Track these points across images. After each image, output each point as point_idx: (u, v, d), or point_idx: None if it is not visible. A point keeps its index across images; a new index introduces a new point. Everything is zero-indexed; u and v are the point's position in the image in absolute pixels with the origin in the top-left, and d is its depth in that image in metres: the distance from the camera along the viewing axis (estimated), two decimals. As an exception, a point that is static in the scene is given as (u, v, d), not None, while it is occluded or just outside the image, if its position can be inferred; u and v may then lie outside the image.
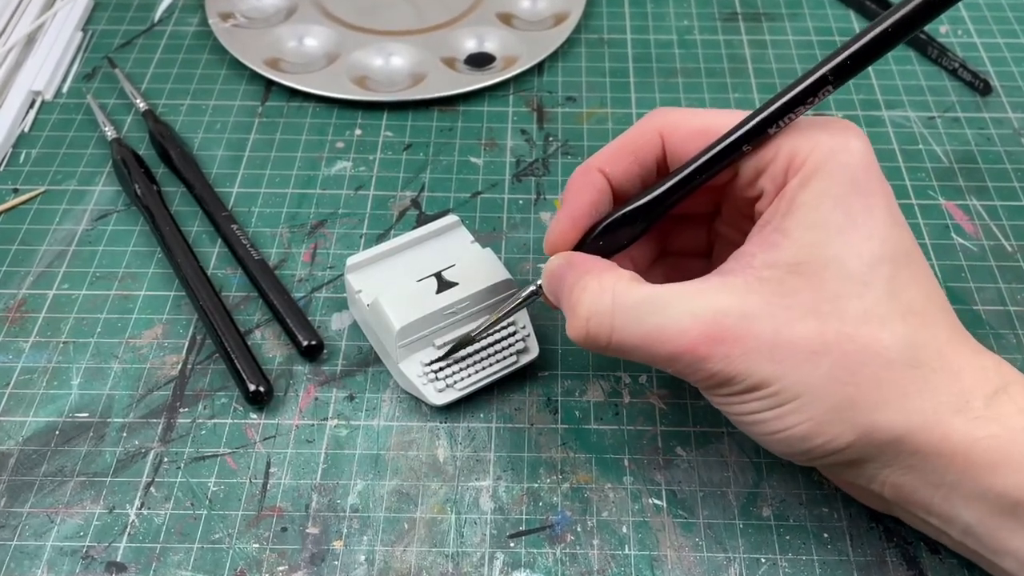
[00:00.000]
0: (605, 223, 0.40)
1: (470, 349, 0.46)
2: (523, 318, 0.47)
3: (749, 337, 0.35)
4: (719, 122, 0.38)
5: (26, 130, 0.61)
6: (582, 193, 0.40)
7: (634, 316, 0.36)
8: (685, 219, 0.44)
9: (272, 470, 0.44)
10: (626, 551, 0.42)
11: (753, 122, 0.37)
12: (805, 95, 0.36)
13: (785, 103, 0.36)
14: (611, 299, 0.36)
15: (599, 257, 0.40)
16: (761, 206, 0.37)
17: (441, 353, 0.45)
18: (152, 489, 0.44)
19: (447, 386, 0.45)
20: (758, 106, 0.37)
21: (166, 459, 0.45)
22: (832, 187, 0.35)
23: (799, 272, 0.35)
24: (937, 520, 0.36)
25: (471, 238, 0.49)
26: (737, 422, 0.38)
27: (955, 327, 0.36)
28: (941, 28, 0.68)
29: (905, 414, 0.34)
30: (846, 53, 0.35)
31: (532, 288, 0.43)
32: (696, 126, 0.39)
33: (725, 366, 0.35)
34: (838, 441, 0.35)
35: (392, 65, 0.65)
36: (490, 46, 0.66)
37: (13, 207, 0.56)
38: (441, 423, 0.46)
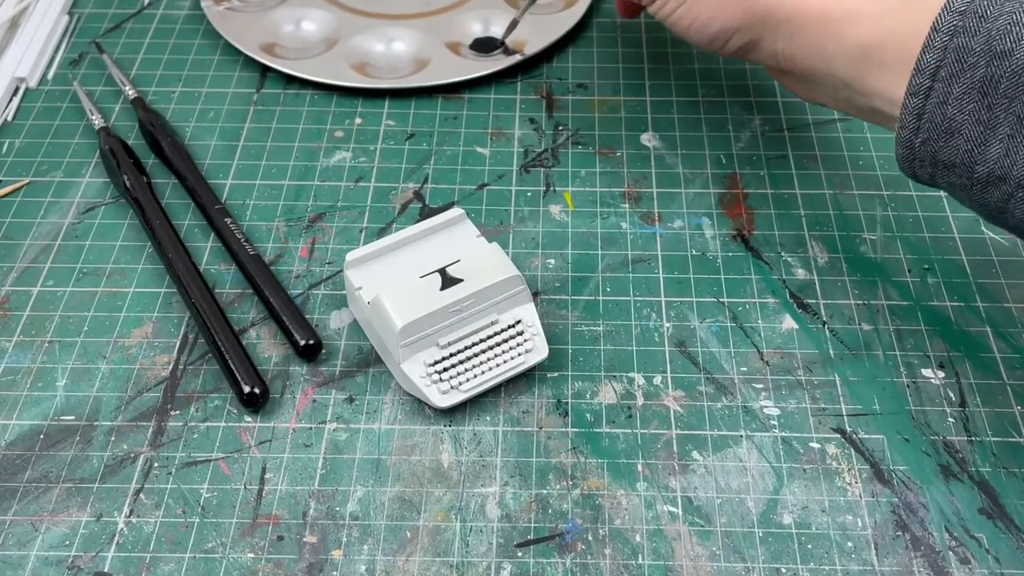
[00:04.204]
0: None
1: (475, 349, 0.46)
2: (531, 316, 0.47)
3: None
4: None
5: (9, 119, 0.61)
6: None
7: None
8: None
9: (268, 476, 0.44)
10: (639, 561, 0.41)
11: None
12: None
13: None
14: None
15: None
16: None
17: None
18: (141, 496, 0.44)
19: (451, 387, 0.45)
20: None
21: (156, 464, 0.45)
22: None
23: None
24: (830, 81, 0.45)
25: (477, 232, 0.49)
26: (671, 24, 0.50)
27: None
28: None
29: None
30: None
31: None
32: None
33: None
34: (732, 21, 0.47)
35: (394, 50, 0.65)
36: (497, 30, 0.66)
37: (-4, 200, 0.56)
38: (445, 426, 0.46)
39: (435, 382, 0.45)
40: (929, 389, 0.47)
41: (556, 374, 0.48)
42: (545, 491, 0.44)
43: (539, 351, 0.47)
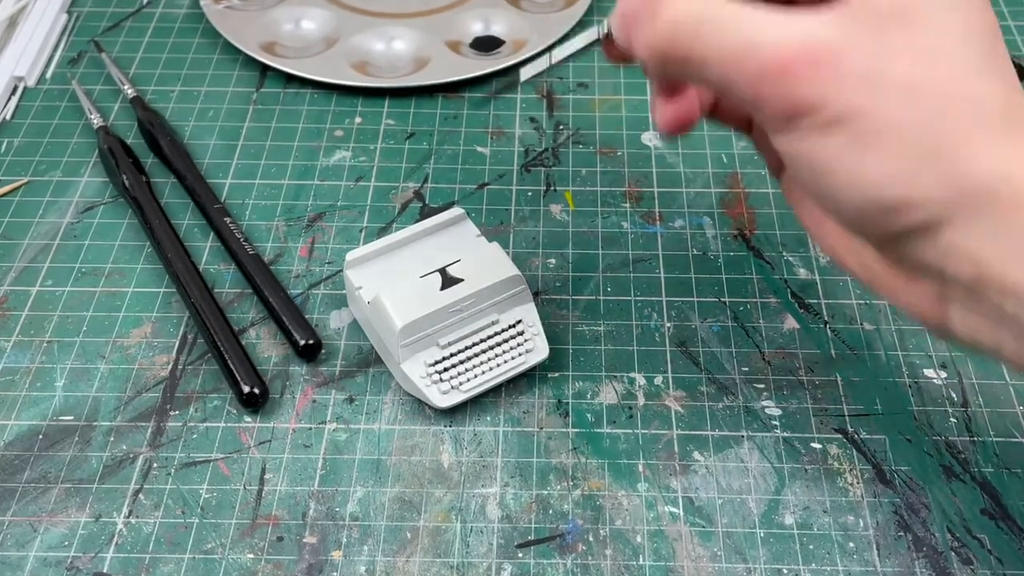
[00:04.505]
0: None
1: (475, 349, 0.46)
2: (532, 316, 0.47)
3: (845, 62, 0.34)
4: None
5: (8, 118, 0.61)
6: None
7: (725, 25, 0.35)
8: None
9: (267, 476, 0.44)
10: (640, 561, 0.41)
11: None
12: None
13: None
14: (702, 4, 0.35)
15: None
16: None
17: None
18: (141, 496, 0.44)
19: (452, 387, 0.45)
20: None
21: (155, 465, 0.45)
22: None
23: (898, 16, 0.34)
24: (1011, 301, 0.33)
25: (477, 232, 0.49)
26: (810, 171, 0.36)
27: None
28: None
29: (996, 163, 0.33)
30: None
31: (596, 34, 0.39)
32: None
33: (814, 90, 0.34)
34: (922, 190, 0.33)
35: (394, 49, 0.65)
36: (497, 29, 0.66)
37: (-5, 199, 0.56)
38: (445, 427, 0.46)
39: (435, 382, 0.45)
40: (931, 389, 0.47)
41: (557, 374, 0.48)
42: (546, 492, 0.44)
43: (539, 351, 0.47)
